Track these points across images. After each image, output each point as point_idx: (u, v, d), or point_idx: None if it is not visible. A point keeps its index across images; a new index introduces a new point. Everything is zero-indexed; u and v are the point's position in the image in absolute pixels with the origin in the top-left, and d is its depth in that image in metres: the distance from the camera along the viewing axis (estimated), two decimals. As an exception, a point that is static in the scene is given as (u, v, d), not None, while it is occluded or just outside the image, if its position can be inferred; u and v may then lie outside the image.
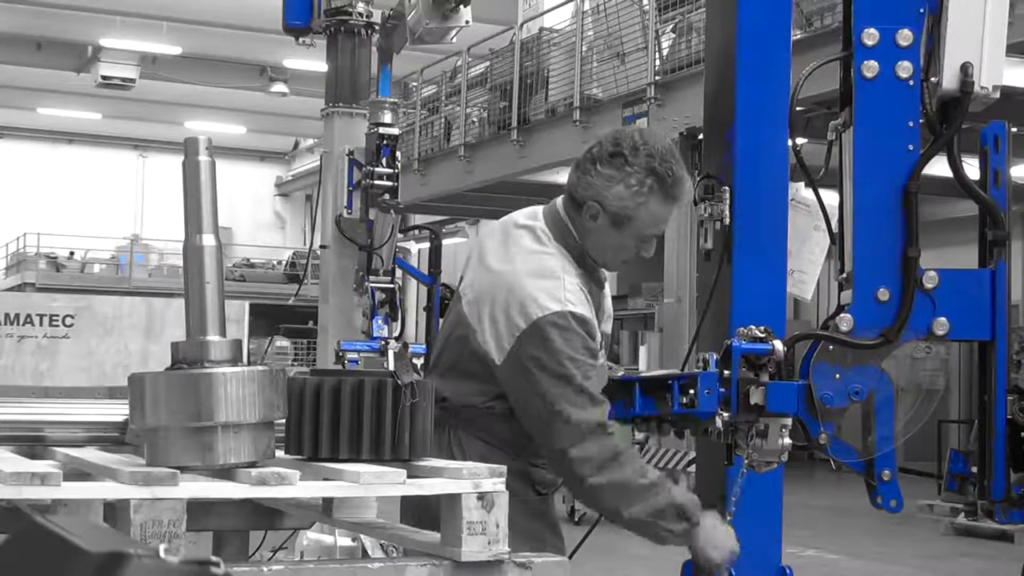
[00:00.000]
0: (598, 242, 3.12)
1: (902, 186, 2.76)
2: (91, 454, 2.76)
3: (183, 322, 2.52)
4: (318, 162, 9.05)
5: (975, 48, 2.74)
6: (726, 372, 2.65)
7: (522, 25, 18.09)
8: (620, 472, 2.93)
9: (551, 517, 3.27)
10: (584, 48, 16.19)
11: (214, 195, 2.55)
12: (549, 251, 3.12)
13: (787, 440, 2.66)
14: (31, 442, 2.98)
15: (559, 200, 3.19)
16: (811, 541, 11.25)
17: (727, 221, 3.08)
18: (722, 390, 2.68)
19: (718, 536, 3.00)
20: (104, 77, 25.91)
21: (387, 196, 7.70)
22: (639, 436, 13.87)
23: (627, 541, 13.49)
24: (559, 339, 2.96)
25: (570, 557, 2.74)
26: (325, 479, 2.57)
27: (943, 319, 2.75)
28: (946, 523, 12.28)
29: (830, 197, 2.93)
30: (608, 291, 3.33)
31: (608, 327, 3.29)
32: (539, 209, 3.24)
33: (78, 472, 2.58)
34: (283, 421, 2.65)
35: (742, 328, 2.68)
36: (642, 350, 17.39)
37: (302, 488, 2.46)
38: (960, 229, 7.52)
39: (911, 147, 2.77)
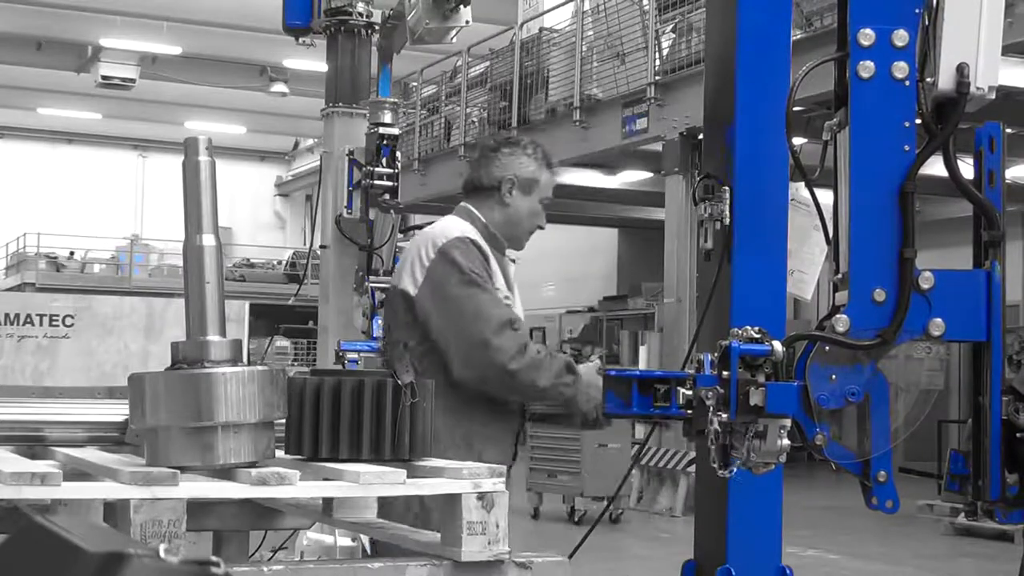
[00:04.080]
0: (515, 215, 3.72)
1: (898, 186, 2.76)
2: (91, 454, 2.76)
3: (183, 322, 2.53)
4: (318, 162, 9.05)
5: (971, 49, 2.74)
6: (724, 373, 2.65)
7: (522, 25, 18.08)
8: (530, 354, 3.46)
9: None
10: (584, 48, 16.19)
11: (214, 195, 2.56)
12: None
13: (785, 441, 2.66)
14: (31, 442, 2.99)
15: (459, 206, 3.79)
16: (811, 541, 11.25)
17: (727, 221, 3.07)
18: (720, 391, 2.68)
19: (596, 379, 3.46)
20: (104, 77, 25.91)
21: (387, 196, 7.70)
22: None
23: (627, 541, 13.40)
24: (460, 256, 3.53)
25: (570, 557, 2.74)
26: (325, 479, 2.58)
27: (939, 320, 2.75)
28: (946, 523, 12.28)
29: (828, 197, 2.94)
30: (516, 288, 3.82)
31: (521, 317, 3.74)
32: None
33: (78, 472, 2.59)
34: (283, 421, 2.66)
35: (736, 328, 2.68)
36: (642, 350, 17.39)
37: (302, 488, 2.46)
38: (959, 229, 7.53)
39: (907, 147, 2.77)
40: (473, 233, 3.64)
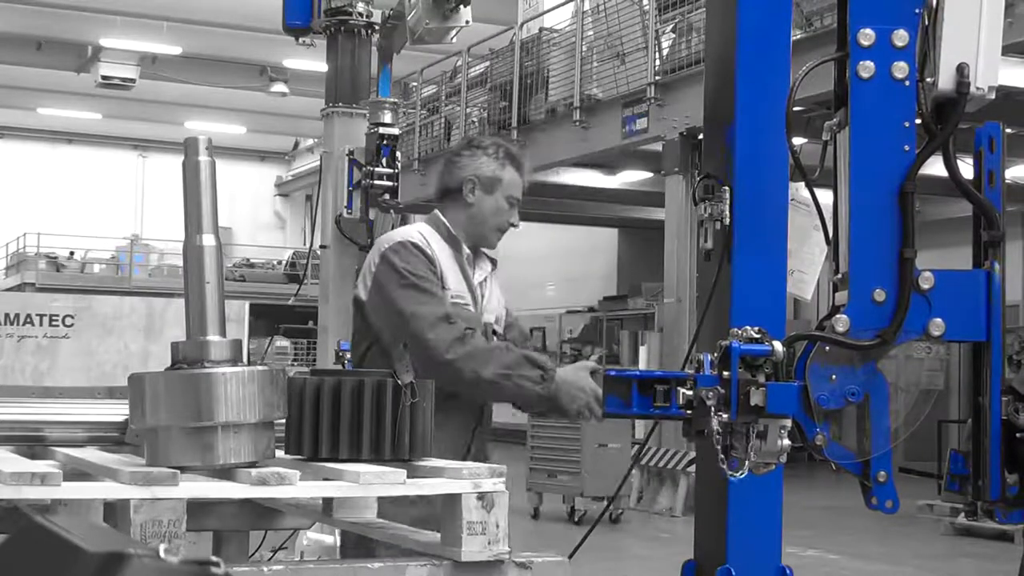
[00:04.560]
0: (478, 214, 3.86)
1: (898, 186, 2.76)
2: (91, 454, 2.76)
3: (183, 322, 2.53)
4: (318, 162, 9.05)
5: (971, 49, 2.74)
6: (724, 373, 2.65)
7: (522, 25, 18.08)
8: (470, 345, 3.57)
9: None
10: (584, 48, 16.19)
11: (214, 195, 2.56)
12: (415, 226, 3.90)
13: (786, 441, 2.66)
14: (31, 442, 2.99)
15: (432, 212, 3.95)
16: (811, 541, 11.25)
17: (727, 221, 3.07)
18: (721, 391, 2.68)
19: (580, 379, 3.61)
20: (104, 77, 25.91)
21: (387, 196, 7.70)
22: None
23: (627, 541, 13.36)
24: (399, 260, 3.69)
25: (570, 557, 2.74)
26: (325, 479, 2.58)
27: (939, 320, 2.75)
28: (946, 523, 12.28)
29: (828, 197, 2.93)
30: (498, 292, 3.95)
31: (490, 318, 3.87)
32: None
33: (78, 472, 2.59)
34: (283, 421, 2.65)
35: (736, 328, 2.67)
36: (642, 350, 17.39)
37: (302, 488, 2.46)
38: (959, 229, 7.54)
39: (907, 147, 2.77)
40: (420, 237, 3.76)
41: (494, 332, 3.87)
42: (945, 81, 2.73)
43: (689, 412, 2.70)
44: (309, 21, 8.10)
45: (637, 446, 13.22)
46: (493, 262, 3.97)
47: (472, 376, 3.57)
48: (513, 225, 3.91)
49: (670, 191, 14.54)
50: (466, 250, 3.84)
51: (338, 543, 4.34)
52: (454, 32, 7.65)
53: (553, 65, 16.99)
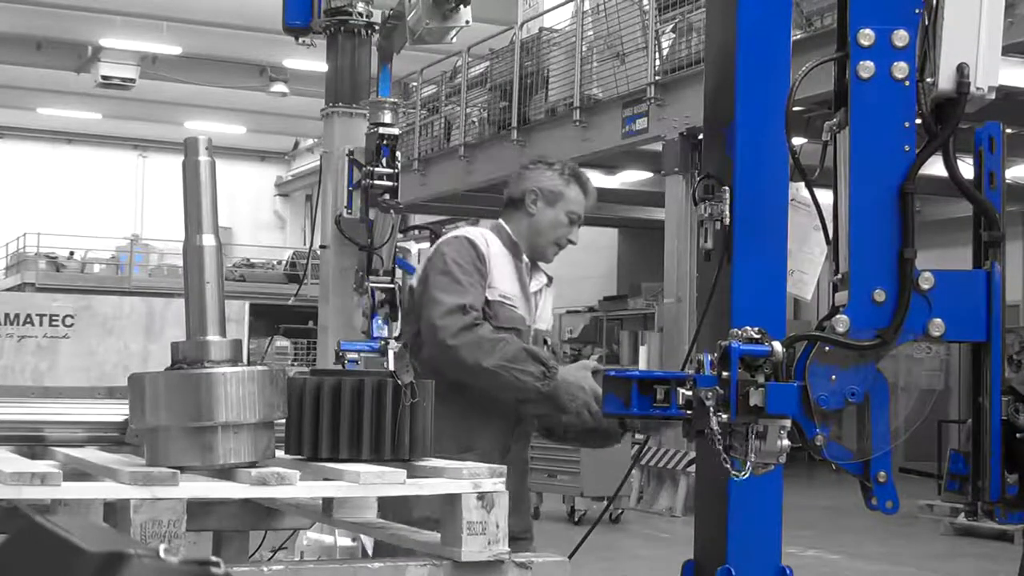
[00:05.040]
0: (537, 224, 3.96)
1: (898, 186, 2.76)
2: (91, 454, 2.77)
3: (183, 322, 2.53)
4: (318, 162, 9.05)
5: (971, 49, 2.74)
6: (724, 374, 2.64)
7: (522, 25, 18.08)
8: (476, 334, 3.66)
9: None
10: (584, 48, 16.19)
11: (214, 195, 2.56)
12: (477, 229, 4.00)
13: (785, 442, 2.66)
14: (31, 442, 2.99)
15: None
16: (811, 541, 11.25)
17: (727, 221, 3.07)
18: (720, 391, 2.68)
19: (580, 378, 3.68)
20: (104, 77, 25.90)
21: (387, 196, 7.68)
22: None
23: (627, 541, 13.36)
24: (450, 249, 3.84)
25: (570, 557, 2.74)
26: (325, 479, 2.58)
27: (939, 320, 2.75)
28: (946, 523, 12.28)
29: (828, 197, 2.93)
30: (550, 307, 4.07)
31: (542, 327, 3.99)
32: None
33: (78, 472, 2.59)
34: (283, 421, 2.66)
35: (736, 329, 2.67)
36: (642, 350, 17.39)
37: (302, 488, 2.46)
38: (959, 229, 7.54)
39: (907, 148, 2.77)
40: (479, 236, 3.88)
41: (545, 341, 3.96)
42: (945, 81, 2.73)
43: (689, 412, 2.70)
44: (309, 21, 8.08)
45: (637, 446, 13.21)
46: (549, 278, 4.07)
47: (473, 364, 3.64)
48: (571, 242, 4.01)
49: (670, 191, 14.54)
50: (525, 259, 3.95)
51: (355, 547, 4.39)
52: (454, 32, 7.62)
53: (553, 65, 16.98)
